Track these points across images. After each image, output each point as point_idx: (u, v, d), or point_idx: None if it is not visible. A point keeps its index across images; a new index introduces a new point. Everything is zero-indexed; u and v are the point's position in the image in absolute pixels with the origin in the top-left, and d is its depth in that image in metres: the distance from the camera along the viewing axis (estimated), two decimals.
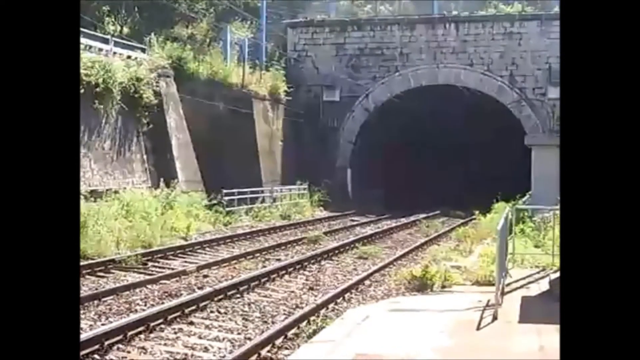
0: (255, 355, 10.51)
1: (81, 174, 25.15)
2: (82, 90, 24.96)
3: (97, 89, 25.96)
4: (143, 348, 10.99)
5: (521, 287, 14.36)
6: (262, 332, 12.01)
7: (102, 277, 17.03)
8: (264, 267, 18.85)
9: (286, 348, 11.20)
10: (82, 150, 25.49)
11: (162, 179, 28.40)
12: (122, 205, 24.06)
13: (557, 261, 15.64)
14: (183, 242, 22.94)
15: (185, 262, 19.77)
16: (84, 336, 10.62)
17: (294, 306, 14.45)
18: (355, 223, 33.79)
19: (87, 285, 15.81)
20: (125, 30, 36.37)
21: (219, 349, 11.14)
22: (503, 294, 12.92)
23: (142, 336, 11.50)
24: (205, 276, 17.38)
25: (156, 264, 19.10)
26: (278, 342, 11.37)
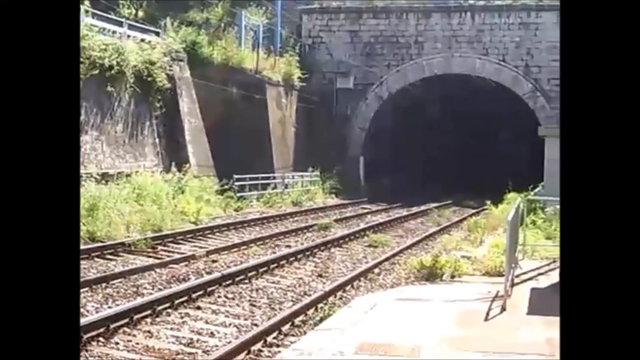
0: (262, 342, 10.48)
1: (93, 156, 25.17)
2: (95, 73, 24.96)
3: (110, 72, 25.94)
4: (149, 332, 10.97)
5: (531, 278, 14.27)
6: (269, 318, 11.97)
7: (111, 259, 17.03)
8: (274, 253, 18.82)
9: (293, 335, 11.15)
10: (94, 133, 25.50)
11: (173, 163, 28.39)
12: (133, 189, 24.07)
13: None
14: (193, 227, 22.92)
15: (195, 246, 19.76)
16: (90, 319, 10.61)
17: (302, 293, 14.41)
18: (366, 211, 33.74)
19: (96, 268, 15.81)
20: (140, 13, 36.27)
21: (225, 334, 11.11)
22: (512, 285, 12.86)
23: (148, 320, 11.48)
24: (214, 261, 17.35)
25: (166, 248, 19.09)
26: (285, 328, 11.33)
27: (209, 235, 21.99)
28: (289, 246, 20.54)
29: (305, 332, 11.01)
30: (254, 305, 13.17)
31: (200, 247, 19.36)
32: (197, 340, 10.69)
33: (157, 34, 31.92)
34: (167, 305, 12.22)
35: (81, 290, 13.16)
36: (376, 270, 17.17)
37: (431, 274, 14.68)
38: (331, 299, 13.72)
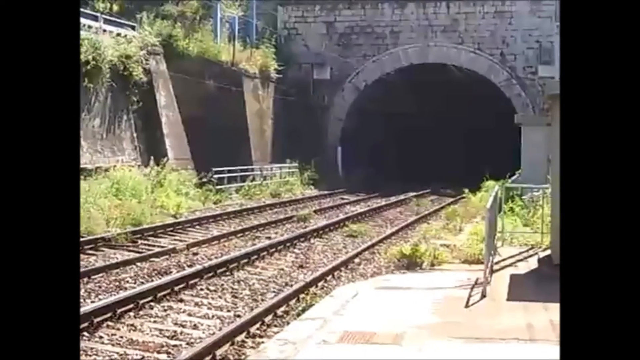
0: (245, 333, 10.55)
1: None
2: None
3: (87, 67, 25.84)
4: (132, 325, 11.02)
5: (510, 265, 14.40)
6: (252, 309, 12.05)
7: (92, 254, 17.03)
8: (254, 245, 18.87)
9: (276, 325, 11.24)
10: None
11: (152, 157, 28.35)
12: (112, 183, 24.06)
13: (545, 240, 15.69)
14: (173, 220, 22.93)
15: (175, 240, 19.78)
16: None
17: (283, 284, 14.49)
18: (345, 201, 33.82)
19: None
20: (115, 7, 36.14)
21: (209, 326, 11.18)
22: (492, 272, 12.96)
23: (131, 314, 11.53)
24: (195, 254, 17.39)
25: (146, 242, 19.11)
26: (267, 319, 11.41)
27: (189, 229, 22.02)
28: (269, 237, 20.60)
29: (288, 322, 11.09)
30: (236, 297, 13.24)
31: (181, 241, 19.39)
32: (181, 333, 10.76)
33: (133, 27, 31.84)
34: (150, 298, 12.27)
35: None
36: (356, 260, 17.27)
37: (411, 263, 14.75)
38: (313, 289, 13.81)
